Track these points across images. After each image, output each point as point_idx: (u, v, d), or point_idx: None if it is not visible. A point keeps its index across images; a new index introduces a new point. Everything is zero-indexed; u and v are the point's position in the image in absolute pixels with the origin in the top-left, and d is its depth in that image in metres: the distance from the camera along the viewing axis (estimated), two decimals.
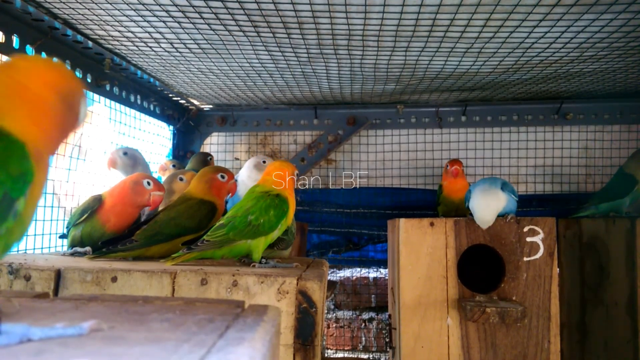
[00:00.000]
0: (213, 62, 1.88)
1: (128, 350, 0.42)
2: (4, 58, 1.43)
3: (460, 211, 2.06)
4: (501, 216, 1.71)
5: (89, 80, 1.78)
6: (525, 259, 1.67)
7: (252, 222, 1.23)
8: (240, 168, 1.97)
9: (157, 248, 1.37)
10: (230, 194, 1.57)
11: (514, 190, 1.77)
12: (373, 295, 2.63)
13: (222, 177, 1.51)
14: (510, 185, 1.79)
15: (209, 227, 1.32)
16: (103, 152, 1.94)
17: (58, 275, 1.08)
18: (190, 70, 2.00)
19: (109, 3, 1.36)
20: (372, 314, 2.61)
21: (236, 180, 1.80)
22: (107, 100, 1.96)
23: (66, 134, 0.68)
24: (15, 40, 1.42)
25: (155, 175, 2.05)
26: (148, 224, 1.40)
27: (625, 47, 1.67)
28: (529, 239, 1.68)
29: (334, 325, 2.61)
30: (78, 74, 1.72)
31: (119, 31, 1.58)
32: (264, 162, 1.82)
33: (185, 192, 1.54)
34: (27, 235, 1.58)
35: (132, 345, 0.43)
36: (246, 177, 1.82)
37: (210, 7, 1.37)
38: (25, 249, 1.58)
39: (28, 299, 0.64)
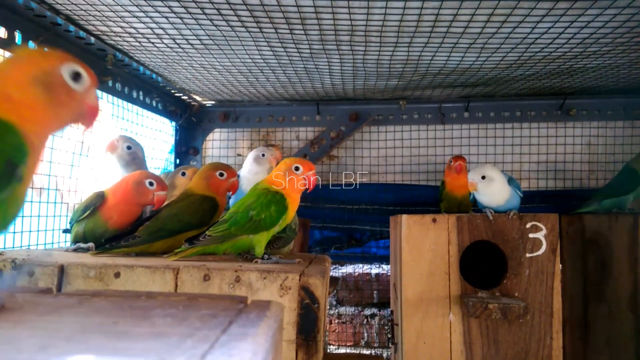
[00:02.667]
0: (215, 58, 1.88)
1: (132, 345, 0.42)
2: (7, 54, 1.43)
3: (463, 207, 2.06)
4: (504, 212, 1.71)
5: None
6: (527, 255, 1.67)
7: (253, 218, 1.23)
8: (242, 164, 1.97)
9: (160, 244, 1.38)
10: (231, 192, 1.57)
11: (519, 186, 1.77)
12: (375, 291, 2.63)
13: (221, 174, 1.50)
14: (516, 181, 1.78)
15: (211, 223, 1.33)
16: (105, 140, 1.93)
17: (61, 270, 1.08)
18: (192, 66, 2.00)
19: None
20: (374, 310, 2.61)
21: (239, 176, 1.81)
22: (110, 97, 1.96)
23: (65, 111, 0.71)
24: (18, 36, 1.42)
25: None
26: (151, 220, 1.41)
27: (629, 43, 1.66)
28: (531, 235, 1.68)
29: (336, 321, 2.62)
30: None
31: (121, 27, 1.58)
32: (263, 155, 1.83)
33: (187, 188, 1.54)
34: (30, 231, 1.58)
35: (136, 340, 0.43)
36: (247, 172, 1.84)
37: (212, 3, 1.37)
38: (29, 245, 1.58)
39: (31, 294, 0.65)
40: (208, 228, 1.28)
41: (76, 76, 0.71)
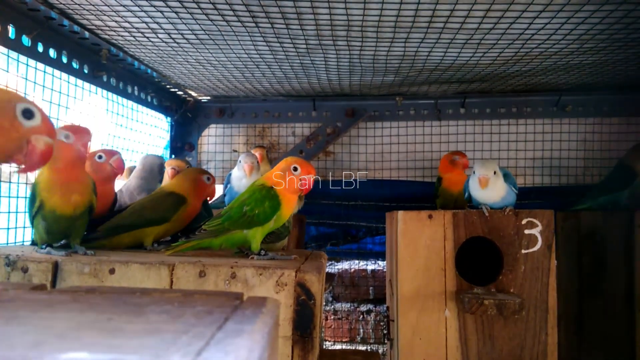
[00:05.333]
0: (211, 53, 1.87)
1: (126, 342, 0.42)
2: (1, 49, 1.41)
3: (459, 203, 2.06)
4: (500, 209, 1.71)
5: (85, 71, 1.77)
6: (523, 251, 1.67)
7: (247, 213, 1.23)
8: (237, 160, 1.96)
9: (119, 239, 1.38)
10: (209, 198, 1.56)
11: (515, 183, 1.77)
12: (371, 288, 2.63)
13: (208, 179, 1.50)
14: (512, 177, 1.78)
15: (175, 219, 1.38)
16: (100, 143, 1.93)
17: (55, 267, 1.08)
18: (187, 61, 1.98)
19: None
20: (370, 306, 2.62)
21: (230, 175, 1.80)
22: (104, 92, 1.95)
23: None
24: (12, 31, 1.41)
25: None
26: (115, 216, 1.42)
27: (626, 39, 1.66)
28: (527, 232, 1.68)
29: (332, 317, 2.62)
30: (75, 64, 1.71)
31: (115, 21, 1.57)
32: (240, 161, 1.83)
33: (162, 186, 1.56)
34: (24, 227, 1.57)
35: (131, 337, 0.43)
36: (234, 175, 1.83)
37: None
38: (23, 241, 1.57)
39: (25, 290, 0.64)
40: (191, 228, 1.28)
41: (28, 114, 0.75)
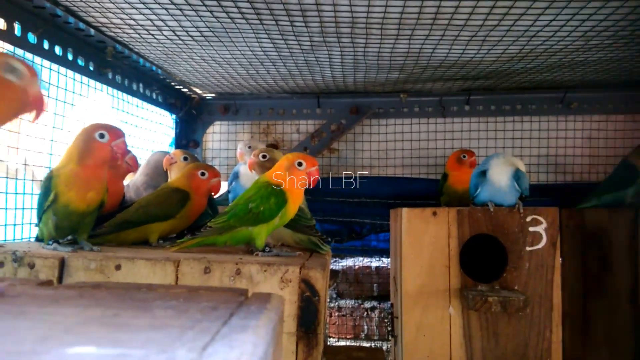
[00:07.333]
0: (215, 50, 1.87)
1: (132, 336, 0.42)
2: (6, 46, 1.42)
3: (463, 201, 2.05)
4: (512, 206, 1.71)
5: (91, 68, 1.77)
6: (527, 248, 1.67)
7: (252, 210, 1.23)
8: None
9: (126, 234, 1.39)
10: (213, 193, 1.56)
11: (520, 178, 1.76)
12: (375, 285, 2.63)
13: (202, 174, 1.49)
14: (522, 172, 1.78)
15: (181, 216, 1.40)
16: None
17: (62, 263, 1.08)
18: (192, 59, 1.99)
19: None
20: (374, 303, 2.62)
21: (238, 173, 1.80)
22: (110, 89, 1.96)
23: (6, 104, 0.77)
24: (17, 28, 1.42)
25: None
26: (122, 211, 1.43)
27: (631, 36, 1.65)
28: (531, 229, 1.68)
29: (336, 314, 2.63)
30: (80, 62, 1.72)
31: (121, 18, 1.57)
32: (250, 147, 1.85)
33: (168, 182, 1.56)
34: (30, 224, 1.58)
35: (137, 332, 0.44)
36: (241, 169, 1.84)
37: None
38: (29, 237, 1.58)
39: (32, 286, 0.65)
40: (197, 225, 1.29)
41: (13, 70, 0.77)
